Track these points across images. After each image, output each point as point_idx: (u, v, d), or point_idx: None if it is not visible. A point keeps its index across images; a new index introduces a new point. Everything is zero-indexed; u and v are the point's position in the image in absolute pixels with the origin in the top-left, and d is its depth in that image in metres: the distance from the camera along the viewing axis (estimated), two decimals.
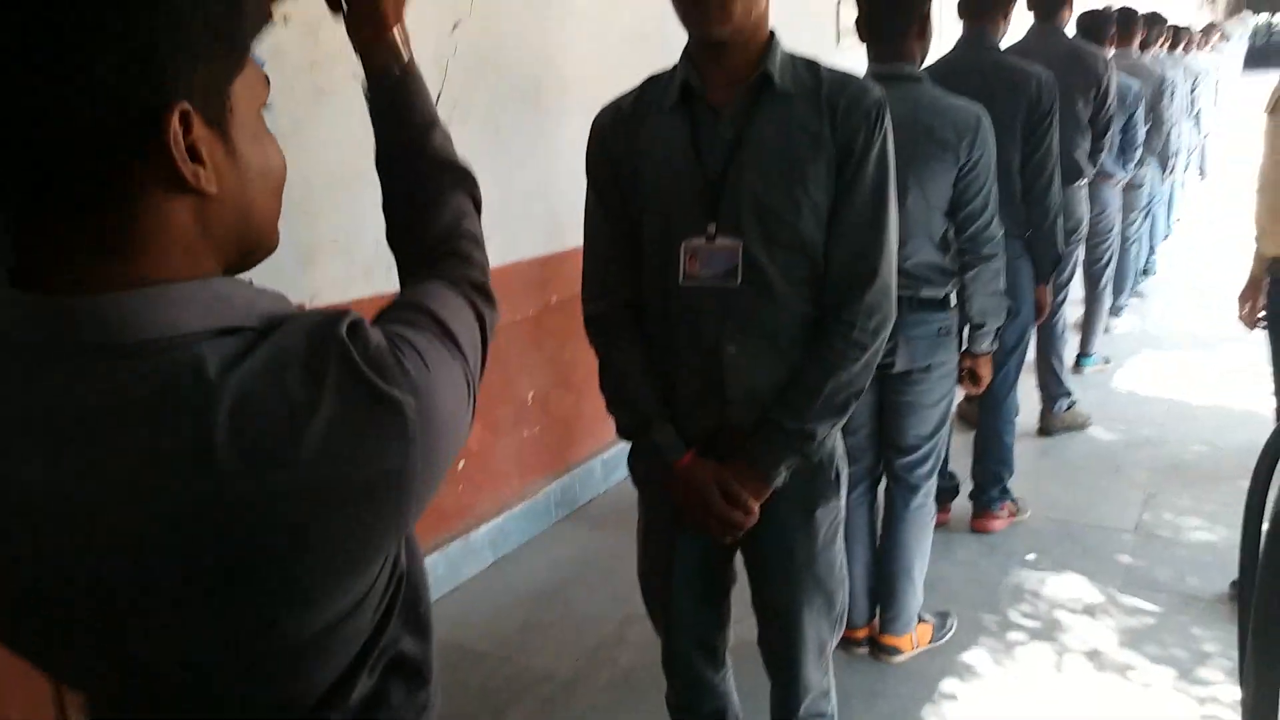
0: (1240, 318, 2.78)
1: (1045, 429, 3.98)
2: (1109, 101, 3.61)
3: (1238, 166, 10.74)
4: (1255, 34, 24.79)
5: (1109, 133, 3.74)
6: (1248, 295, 2.72)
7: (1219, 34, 10.94)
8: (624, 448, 1.63)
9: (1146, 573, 2.87)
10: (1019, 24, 3.14)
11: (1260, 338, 2.77)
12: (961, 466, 3.26)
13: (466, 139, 2.94)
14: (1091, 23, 4.21)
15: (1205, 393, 4.39)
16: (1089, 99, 3.55)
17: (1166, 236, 7.37)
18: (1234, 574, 2.68)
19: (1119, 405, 4.29)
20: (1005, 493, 3.18)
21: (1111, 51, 4.40)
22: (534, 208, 3.15)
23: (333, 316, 0.64)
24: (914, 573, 2.42)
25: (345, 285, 2.58)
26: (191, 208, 0.63)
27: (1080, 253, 3.92)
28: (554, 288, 3.23)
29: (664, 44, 1.77)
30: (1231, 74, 13.62)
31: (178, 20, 0.59)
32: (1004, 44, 2.99)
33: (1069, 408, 4.00)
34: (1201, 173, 9.64)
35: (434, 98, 2.71)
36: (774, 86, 1.40)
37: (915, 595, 2.45)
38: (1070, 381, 4.02)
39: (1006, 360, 3.07)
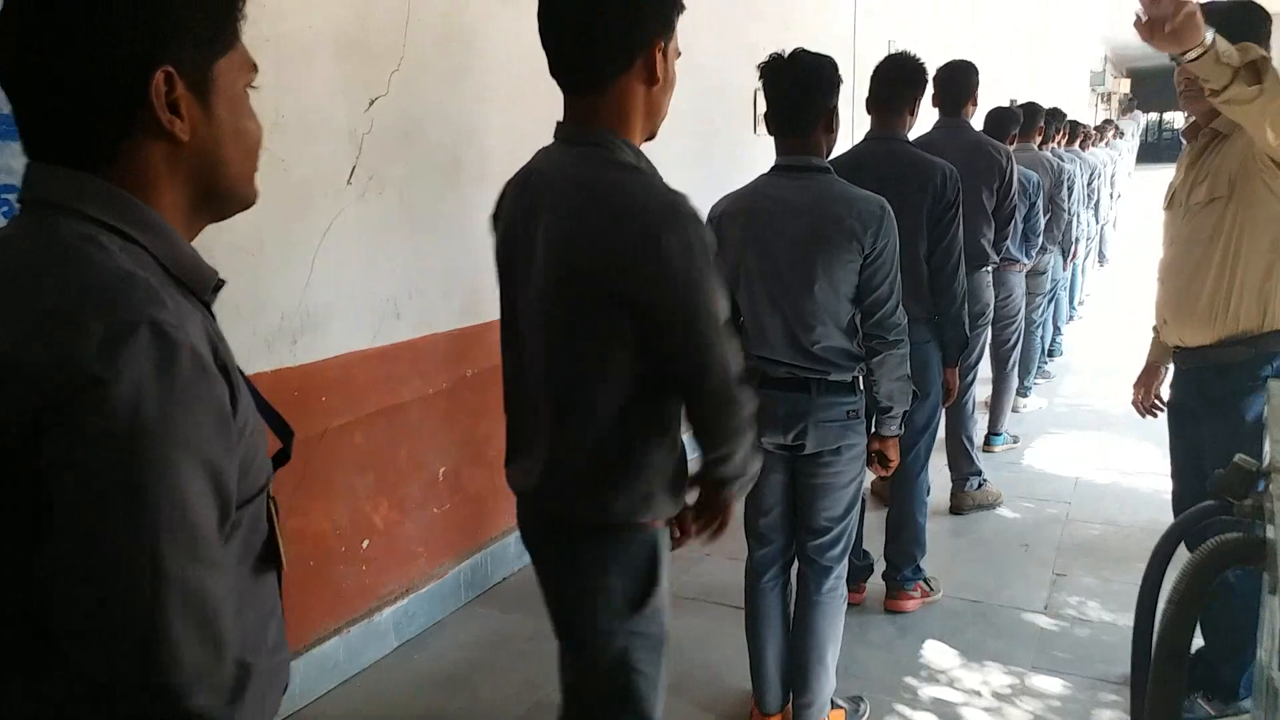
0: (1134, 403, 2.83)
1: (957, 507, 4.04)
2: (1011, 191, 3.77)
3: (1134, 254, 11.38)
4: (1147, 131, 26.44)
5: (1012, 221, 3.90)
6: (1143, 381, 2.79)
7: (1114, 130, 11.60)
8: None
9: (1056, 655, 2.90)
10: (924, 120, 3.27)
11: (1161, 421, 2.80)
12: (875, 545, 3.28)
13: (381, 213, 2.91)
14: (997, 120, 4.43)
15: (1110, 472, 4.52)
16: (992, 189, 3.70)
17: (1071, 319, 7.68)
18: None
19: (1028, 483, 4.38)
20: (918, 572, 3.20)
21: (1013, 145, 4.62)
22: (451, 281, 3.12)
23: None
24: (827, 658, 2.40)
25: (245, 357, 2.48)
26: (165, 151, 0.86)
27: (987, 335, 4.04)
28: (469, 361, 3.19)
29: None
30: (1126, 167, 14.44)
31: (173, 7, 0.84)
32: (911, 137, 3.10)
33: (980, 486, 4.07)
34: (1101, 259, 10.11)
35: (348, 171, 2.67)
36: None
37: (828, 681, 2.42)
38: (981, 460, 4.10)
39: (917, 440, 3.12)
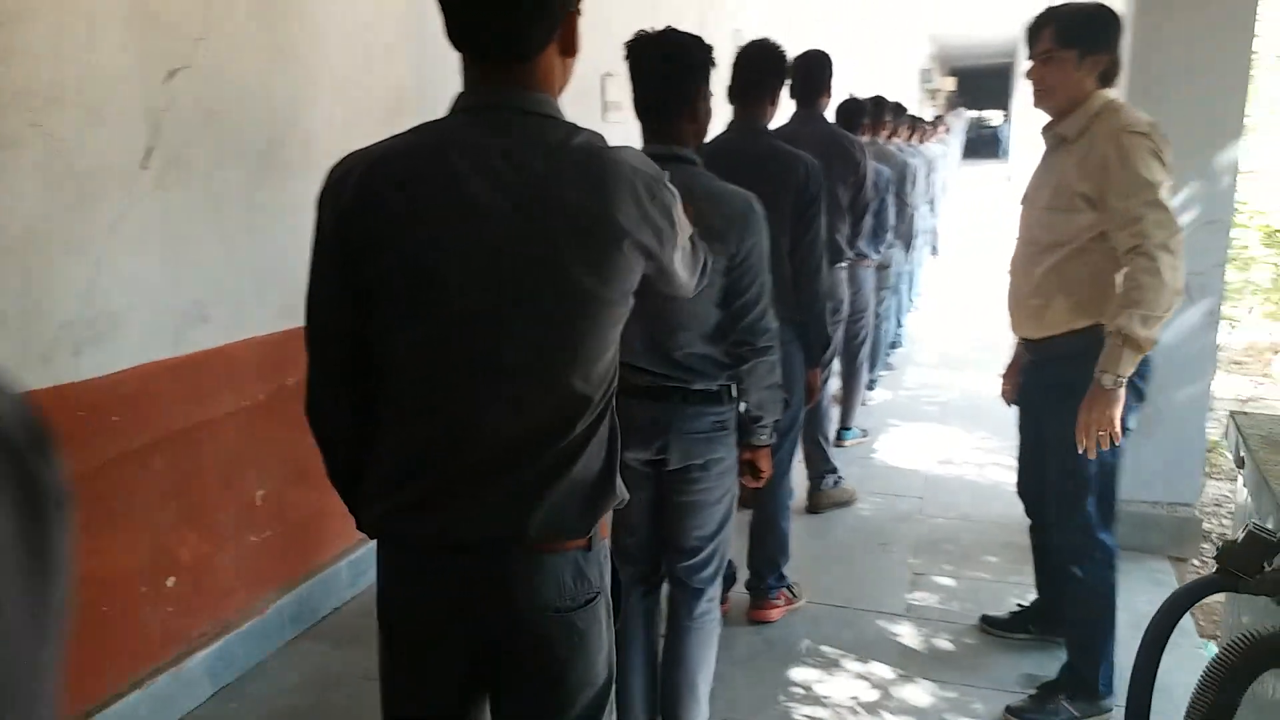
0: (1002, 393, 2.83)
1: (814, 507, 3.98)
2: (866, 185, 3.72)
3: (961, 246, 11.91)
4: (970, 127, 27.93)
5: (865, 215, 3.86)
6: (1009, 373, 2.78)
7: (944, 126, 12.06)
8: (373, 547, 1.35)
9: (921, 660, 2.84)
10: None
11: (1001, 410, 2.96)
12: (737, 552, 3.15)
13: (184, 202, 2.53)
14: (849, 111, 4.39)
15: (958, 464, 4.59)
16: (848, 184, 3.63)
17: (910, 311, 7.89)
18: (998, 655, 2.77)
19: (881, 478, 4.39)
20: (782, 579, 3.09)
21: (865, 138, 4.60)
22: (267, 279, 2.77)
23: None
24: (699, 687, 2.23)
25: (15, 373, 2.09)
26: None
27: (839, 331, 3.99)
28: (291, 369, 2.84)
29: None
30: (954, 162, 15.12)
31: None
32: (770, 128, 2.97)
33: (836, 484, 4.02)
34: (934, 251, 10.46)
35: (144, 154, 2.30)
36: None
37: (700, 710, 2.25)
38: (835, 457, 4.06)
39: (781, 445, 3.00)
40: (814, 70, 3.59)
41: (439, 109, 1.29)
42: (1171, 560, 3.44)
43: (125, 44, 2.26)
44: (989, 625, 2.99)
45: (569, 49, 1.28)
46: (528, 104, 1.23)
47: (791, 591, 3.13)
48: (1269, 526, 1.23)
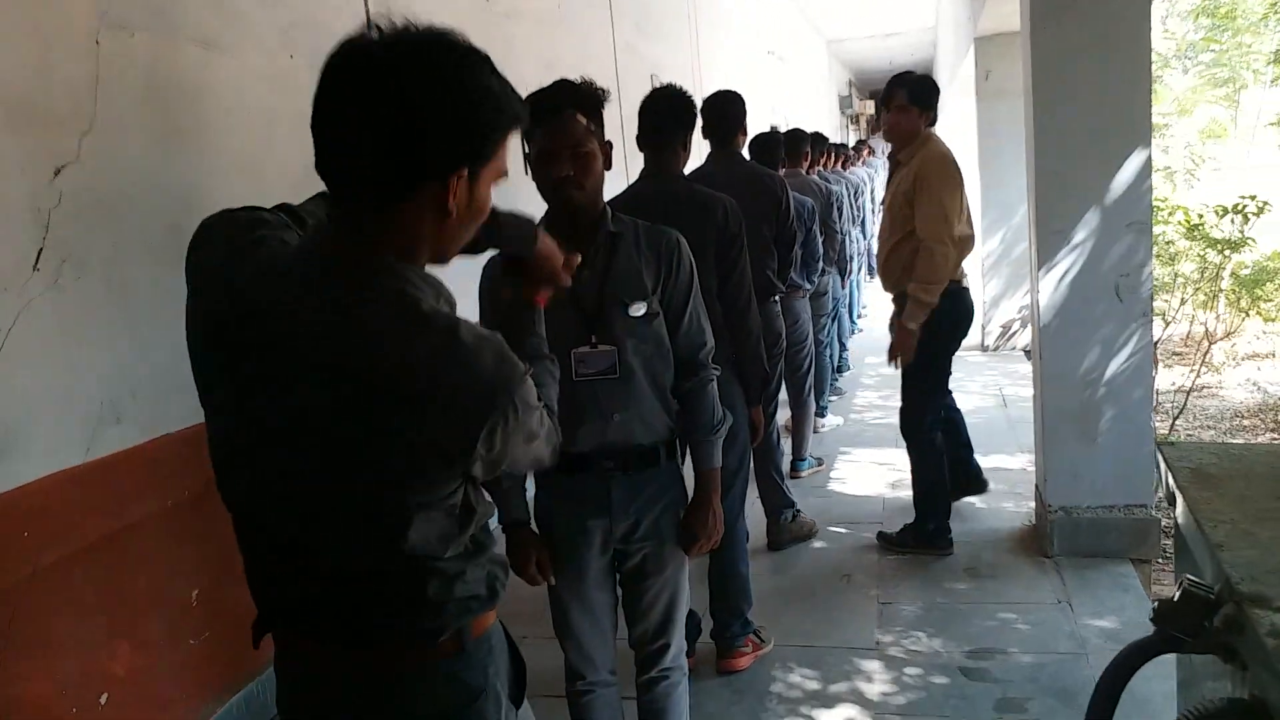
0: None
1: (774, 543, 3.92)
2: (790, 218, 3.71)
3: None
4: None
5: (793, 248, 3.85)
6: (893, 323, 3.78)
7: (868, 149, 12.27)
8: None
9: (893, 700, 2.78)
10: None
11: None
12: (699, 600, 3.06)
13: (84, 300, 2.42)
14: (763, 146, 4.40)
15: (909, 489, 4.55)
16: (771, 219, 3.62)
17: (853, 333, 7.93)
18: (973, 692, 2.75)
19: (840, 508, 4.34)
20: (747, 626, 3.01)
21: (783, 172, 4.62)
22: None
23: None
24: None
25: None
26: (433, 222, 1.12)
27: (782, 364, 3.96)
28: None
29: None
30: (880, 183, 15.39)
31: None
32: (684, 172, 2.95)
33: (794, 518, 3.97)
34: (871, 272, 10.58)
35: (34, 255, 2.20)
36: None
37: None
38: (790, 490, 4.00)
39: (731, 484, 2.94)
40: (727, 110, 3.59)
41: None
42: (1134, 563, 3.44)
43: (3, 146, 2.17)
44: (884, 539, 3.85)
45: (443, 212, 1.10)
46: (349, 263, 1.10)
47: (758, 636, 3.05)
48: (1204, 580, 1.18)
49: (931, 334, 3.47)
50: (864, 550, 3.85)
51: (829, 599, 3.44)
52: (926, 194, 3.41)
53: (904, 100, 3.55)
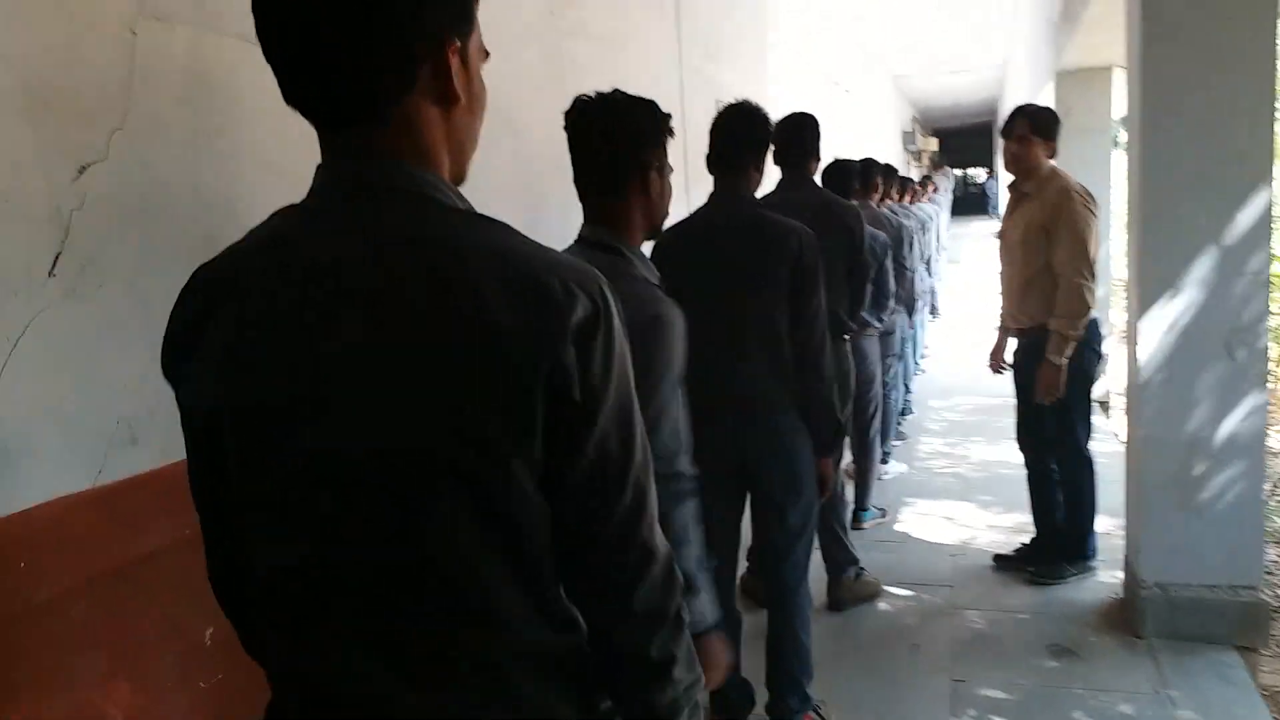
0: (989, 366, 4.07)
1: (835, 603, 3.62)
2: (864, 252, 3.45)
3: (958, 302, 11.68)
4: (956, 185, 28.07)
5: (866, 284, 3.58)
6: (993, 356, 4.06)
7: (933, 185, 11.94)
8: None
9: None
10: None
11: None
12: (753, 670, 2.79)
13: (102, 311, 2.22)
14: (838, 174, 4.15)
15: (982, 543, 4.23)
16: (845, 252, 3.37)
17: (917, 374, 7.59)
18: None
19: (906, 565, 4.03)
20: (806, 701, 2.72)
21: (856, 203, 4.37)
22: None
23: None
24: None
25: None
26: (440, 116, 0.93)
27: (849, 408, 3.69)
28: None
29: None
30: (945, 221, 15.00)
31: None
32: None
33: (858, 576, 3.67)
34: (934, 312, 10.22)
35: (51, 260, 2.03)
36: None
37: None
38: (854, 546, 3.71)
39: (793, 545, 2.67)
40: (802, 132, 3.35)
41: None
42: (1239, 650, 3.08)
43: (25, 137, 1.99)
44: (1000, 561, 3.96)
45: (448, 97, 0.93)
46: (381, 178, 0.92)
47: (819, 714, 2.76)
48: None
49: (1079, 362, 3.51)
50: (933, 616, 3.53)
51: (896, 672, 3.13)
52: (1068, 228, 3.40)
53: (1026, 130, 3.55)
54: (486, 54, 1.00)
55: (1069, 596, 3.60)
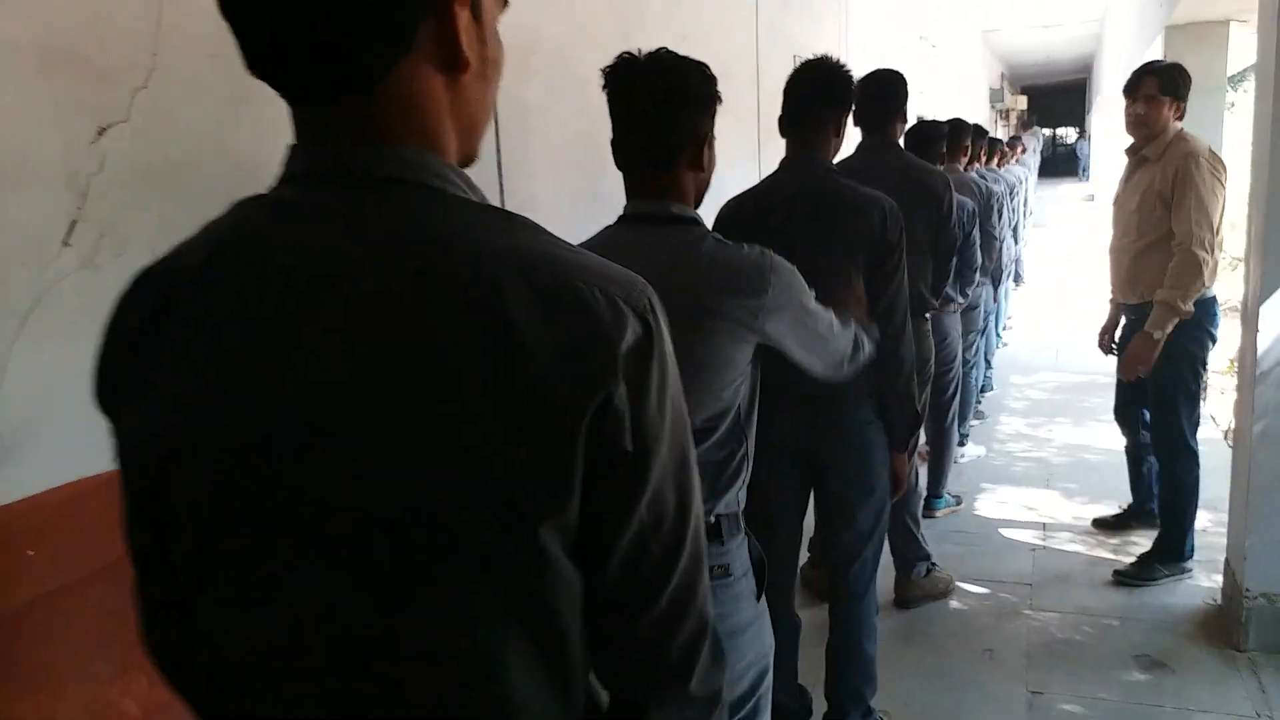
0: (1099, 346, 3.78)
1: (903, 600, 3.39)
2: (952, 223, 3.17)
3: (1043, 269, 11.13)
4: (1045, 146, 26.95)
5: (953, 258, 3.30)
6: (1104, 332, 3.74)
7: (1022, 146, 11.35)
8: None
9: None
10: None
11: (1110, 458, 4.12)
12: (813, 680, 2.60)
13: (118, 281, 2.13)
14: (923, 137, 3.84)
15: (1066, 537, 3.94)
16: (930, 222, 3.09)
17: (1000, 347, 7.23)
18: None
19: (979, 560, 3.77)
20: (869, 714, 2.52)
21: (942, 167, 4.06)
22: None
23: None
24: None
25: None
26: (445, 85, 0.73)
27: (927, 392, 3.42)
28: None
29: None
30: (1032, 184, 14.33)
31: None
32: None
33: (928, 573, 3.43)
34: (1018, 280, 9.74)
35: (67, 228, 1.91)
36: None
37: None
38: (926, 540, 3.46)
39: (862, 548, 2.45)
40: (885, 91, 3.06)
41: None
42: None
43: (38, 96, 1.85)
44: (1098, 525, 3.97)
45: (454, 61, 0.74)
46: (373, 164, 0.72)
47: None
48: None
49: (1191, 340, 3.24)
50: (1009, 617, 3.28)
51: (967, 679, 2.90)
52: (1193, 194, 3.11)
53: (1155, 89, 3.23)
54: (505, 2, 0.82)
55: (1161, 601, 3.32)
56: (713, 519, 1.58)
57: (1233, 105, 8.88)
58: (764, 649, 1.63)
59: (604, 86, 1.55)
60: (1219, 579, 3.30)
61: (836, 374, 1.77)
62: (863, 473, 2.37)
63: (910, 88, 3.18)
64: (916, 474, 3.41)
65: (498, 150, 3.31)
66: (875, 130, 3.10)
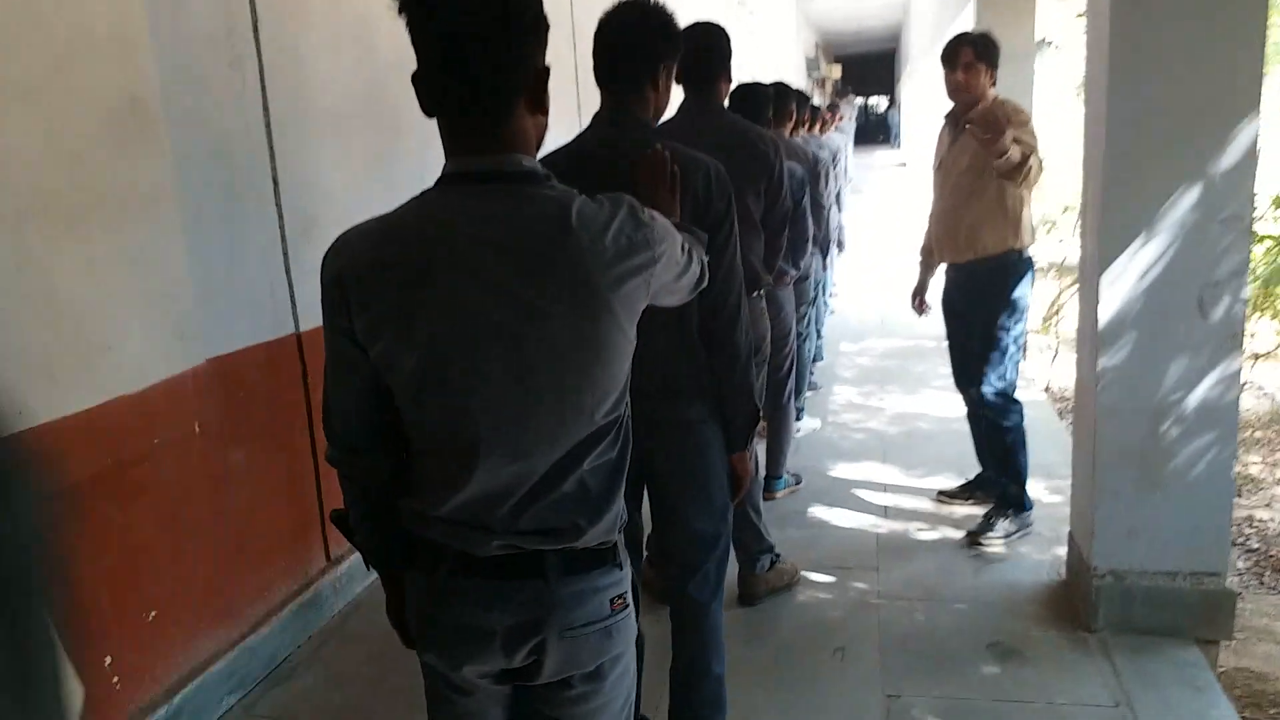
0: (912, 307, 3.92)
1: (747, 596, 3.15)
2: (783, 192, 2.91)
3: (861, 234, 11.32)
4: (858, 114, 27.83)
5: (785, 229, 3.04)
6: (916, 294, 3.89)
7: (840, 114, 11.46)
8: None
9: None
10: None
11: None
12: (655, 708, 2.30)
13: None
14: (750, 100, 3.57)
15: (908, 518, 3.82)
16: (759, 190, 2.82)
17: (829, 316, 7.19)
18: None
19: (824, 544, 3.59)
20: None
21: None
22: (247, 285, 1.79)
23: None
24: None
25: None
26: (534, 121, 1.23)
27: (764, 375, 3.18)
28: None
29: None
30: (849, 151, 14.61)
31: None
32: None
33: (772, 565, 3.21)
34: (840, 246, 9.80)
35: None
36: None
37: None
38: (770, 531, 3.23)
39: (704, 560, 2.17)
40: (709, 44, 2.76)
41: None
42: (1200, 644, 2.73)
43: None
44: (945, 496, 3.92)
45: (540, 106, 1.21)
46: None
47: None
48: None
49: (1017, 289, 3.36)
50: (859, 608, 3.10)
51: (820, 684, 2.69)
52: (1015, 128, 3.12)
53: (971, 57, 3.31)
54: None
55: (1006, 579, 3.22)
56: (611, 541, 1.31)
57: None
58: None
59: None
60: (1062, 552, 3.23)
61: (686, 299, 1.49)
62: (698, 480, 2.08)
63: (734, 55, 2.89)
64: (756, 458, 3.17)
65: (265, 110, 2.81)
66: (699, 89, 2.80)
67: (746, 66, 10.74)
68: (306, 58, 3.04)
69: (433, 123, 1.22)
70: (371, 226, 1.23)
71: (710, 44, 2.75)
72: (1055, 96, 8.90)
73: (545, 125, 1.28)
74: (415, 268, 1.17)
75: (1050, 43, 7.90)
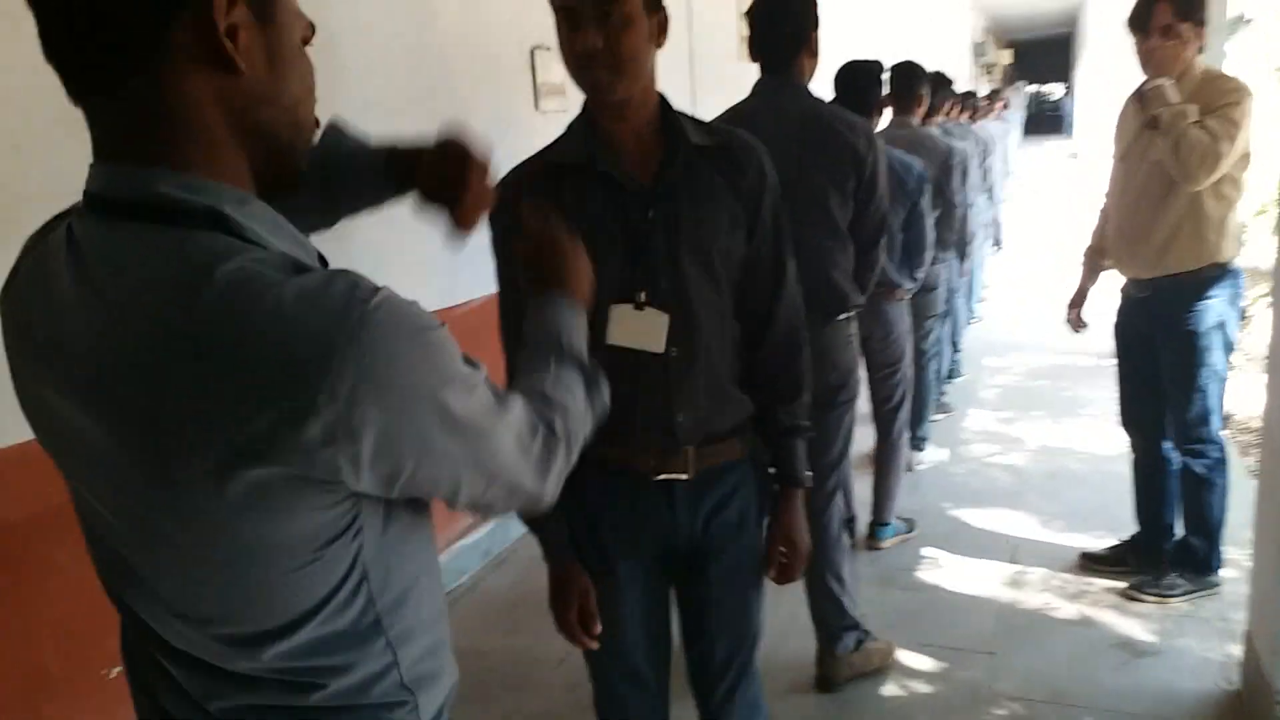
0: (1067, 320, 3.21)
1: (827, 680, 2.62)
2: (877, 191, 2.35)
3: (1024, 231, 10.33)
4: (1029, 103, 26.07)
5: (883, 235, 2.48)
6: (1074, 304, 3.19)
7: (1002, 101, 10.49)
8: None
9: None
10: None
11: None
12: None
13: None
14: (851, 80, 3.00)
15: (1039, 587, 3.16)
16: (845, 189, 2.28)
17: (972, 322, 6.45)
18: None
19: (931, 615, 2.99)
20: None
21: (882, 121, 3.25)
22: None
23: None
24: None
25: None
26: (215, 88, 0.68)
27: (852, 415, 2.60)
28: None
29: None
30: (1015, 141, 13.49)
31: None
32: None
33: (859, 644, 2.65)
34: (997, 244, 8.92)
35: None
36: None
37: None
38: (857, 604, 2.66)
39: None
40: (785, 10, 2.24)
41: None
42: None
43: None
44: (1090, 560, 3.18)
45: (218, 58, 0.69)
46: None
47: None
48: None
49: (1224, 312, 2.74)
50: (962, 709, 2.50)
51: None
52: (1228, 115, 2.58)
53: (1170, 18, 2.61)
54: (309, 30, 0.78)
55: (1159, 682, 2.55)
56: None
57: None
58: None
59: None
60: (1236, 651, 2.54)
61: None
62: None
63: (891, 42, 2.41)
64: (841, 525, 2.62)
65: None
66: (774, 65, 2.29)
67: (909, 54, 9.98)
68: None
69: None
70: None
71: (786, 10, 2.24)
72: (1250, 79, 7.83)
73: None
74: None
75: (1247, 19, 6.84)
